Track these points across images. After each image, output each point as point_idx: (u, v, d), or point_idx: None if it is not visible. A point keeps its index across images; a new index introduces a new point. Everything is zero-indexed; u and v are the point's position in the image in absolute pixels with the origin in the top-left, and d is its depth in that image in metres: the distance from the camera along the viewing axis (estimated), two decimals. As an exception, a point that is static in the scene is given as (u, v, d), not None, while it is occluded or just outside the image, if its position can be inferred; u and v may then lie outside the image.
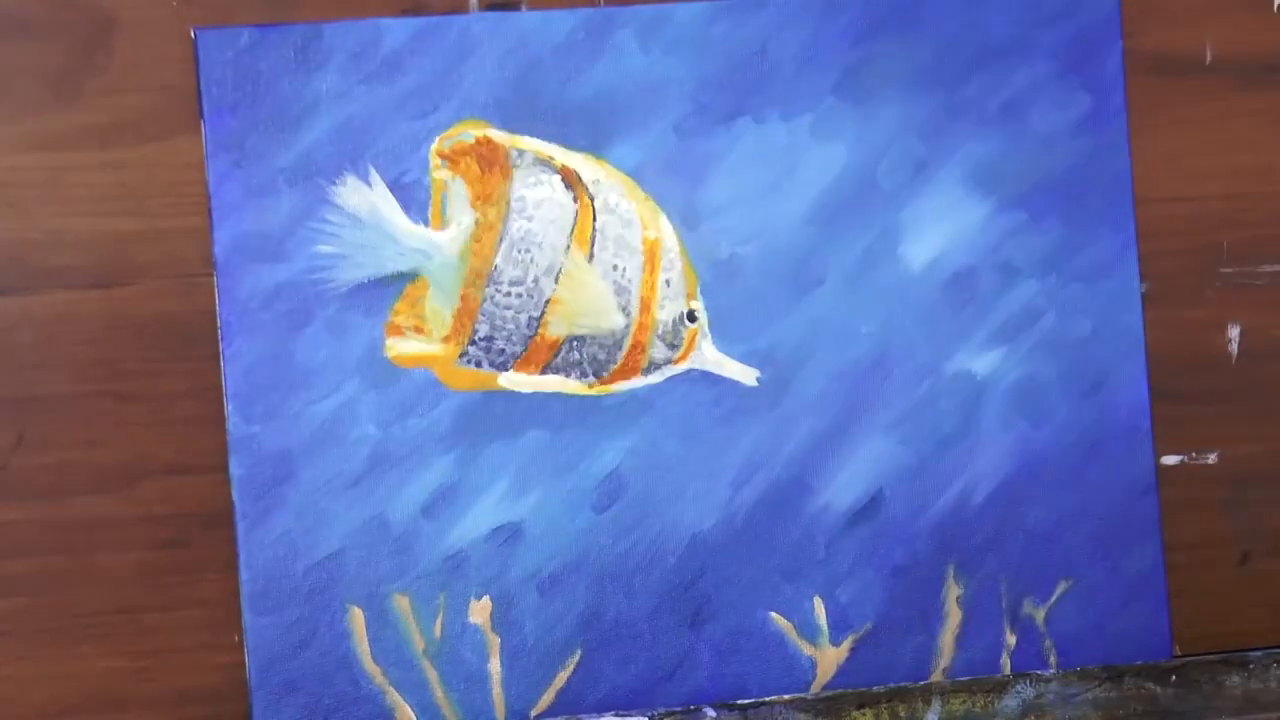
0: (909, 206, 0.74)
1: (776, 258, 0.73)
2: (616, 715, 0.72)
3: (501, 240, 0.72)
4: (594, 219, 0.72)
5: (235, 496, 0.70)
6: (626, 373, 0.73)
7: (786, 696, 0.73)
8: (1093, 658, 0.75)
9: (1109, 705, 0.74)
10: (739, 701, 0.73)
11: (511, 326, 0.72)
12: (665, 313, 0.73)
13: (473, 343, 0.72)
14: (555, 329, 0.72)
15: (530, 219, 0.72)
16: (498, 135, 0.72)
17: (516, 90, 0.72)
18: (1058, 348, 0.75)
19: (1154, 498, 0.76)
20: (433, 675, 0.72)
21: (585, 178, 0.72)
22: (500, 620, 0.72)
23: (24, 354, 0.70)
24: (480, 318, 0.72)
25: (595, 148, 0.72)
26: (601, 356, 0.72)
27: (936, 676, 0.74)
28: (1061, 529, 0.75)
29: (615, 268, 0.72)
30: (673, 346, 0.73)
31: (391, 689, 0.71)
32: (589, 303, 0.72)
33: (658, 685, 0.73)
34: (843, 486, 0.74)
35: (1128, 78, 0.75)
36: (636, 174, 0.72)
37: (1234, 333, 0.77)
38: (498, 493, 0.72)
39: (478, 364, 0.72)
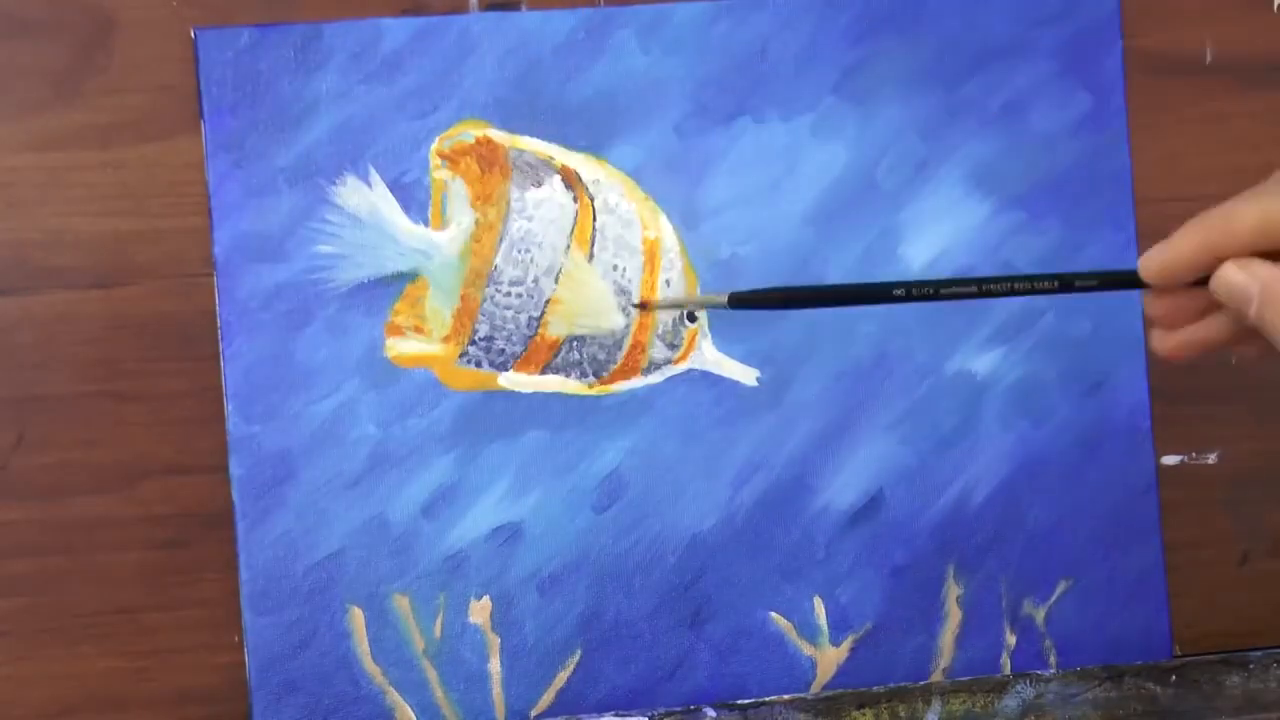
0: (909, 206, 0.74)
1: (776, 258, 0.73)
2: (616, 715, 0.72)
3: (501, 240, 0.72)
4: (594, 219, 0.72)
5: (235, 496, 0.70)
6: (626, 373, 0.73)
7: (786, 696, 0.73)
8: (1093, 658, 0.75)
9: (1109, 705, 0.74)
10: (739, 701, 0.73)
11: (511, 326, 0.72)
12: (665, 312, 0.73)
13: (473, 343, 0.72)
14: (555, 329, 0.72)
15: (530, 219, 0.72)
16: (498, 135, 0.72)
17: (516, 90, 0.72)
18: (1057, 348, 0.75)
19: (1154, 498, 0.76)
20: (433, 675, 0.72)
21: (585, 178, 0.72)
22: (500, 620, 0.72)
23: (24, 354, 0.70)
24: (480, 318, 0.72)
25: (595, 148, 0.72)
26: (601, 356, 0.72)
27: (936, 676, 0.74)
28: (1061, 529, 0.75)
29: (615, 268, 0.72)
30: (673, 346, 0.73)
31: (391, 689, 0.71)
32: (589, 303, 0.72)
33: (658, 685, 0.73)
34: (843, 486, 0.74)
35: (1128, 78, 0.75)
36: (636, 174, 0.72)
37: (1234, 333, 0.77)
38: (498, 493, 0.72)
39: (478, 364, 0.72)
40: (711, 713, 0.73)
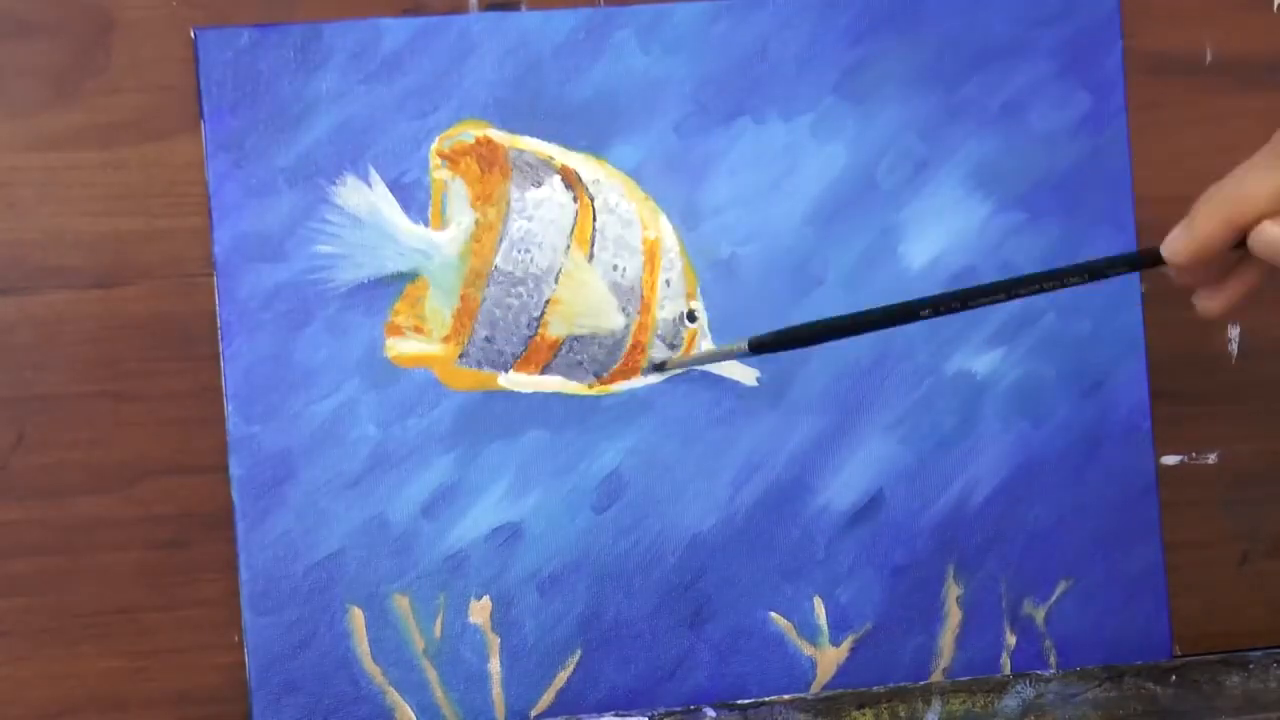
0: (909, 206, 0.74)
1: (776, 258, 0.73)
2: (616, 715, 0.72)
3: (501, 240, 0.72)
4: (594, 219, 0.72)
5: (235, 496, 0.70)
6: (626, 373, 0.73)
7: (786, 696, 0.73)
8: (1093, 658, 0.75)
9: (1109, 705, 0.74)
10: (739, 701, 0.73)
11: (511, 327, 0.72)
12: (665, 313, 0.73)
13: (473, 343, 0.72)
14: (555, 329, 0.72)
15: (530, 219, 0.72)
16: (498, 135, 0.72)
17: (516, 90, 0.72)
18: (1057, 348, 0.75)
19: (1154, 498, 0.76)
20: (433, 675, 0.72)
21: (585, 178, 0.72)
22: (500, 620, 0.72)
23: (24, 354, 0.70)
24: (480, 318, 0.72)
25: (595, 148, 0.72)
26: (601, 356, 0.72)
27: (936, 676, 0.74)
28: (1061, 529, 0.75)
29: (615, 268, 0.72)
30: (673, 346, 0.73)
31: (391, 689, 0.71)
32: (589, 303, 0.72)
33: (658, 685, 0.73)
34: (843, 486, 0.74)
35: (1128, 78, 0.75)
36: (636, 174, 0.72)
37: (1234, 333, 0.77)
38: (498, 493, 0.72)
39: (478, 364, 0.72)
40: (711, 713, 0.73)
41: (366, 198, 0.71)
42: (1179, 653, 0.76)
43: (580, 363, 0.72)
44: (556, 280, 0.72)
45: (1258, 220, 0.59)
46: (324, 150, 0.71)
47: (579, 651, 0.72)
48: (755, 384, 0.73)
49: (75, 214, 0.70)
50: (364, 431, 0.71)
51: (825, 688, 0.74)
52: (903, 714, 0.74)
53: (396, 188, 0.71)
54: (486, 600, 0.72)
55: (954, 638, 0.75)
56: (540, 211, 0.72)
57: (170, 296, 0.71)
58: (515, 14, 0.72)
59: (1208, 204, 0.60)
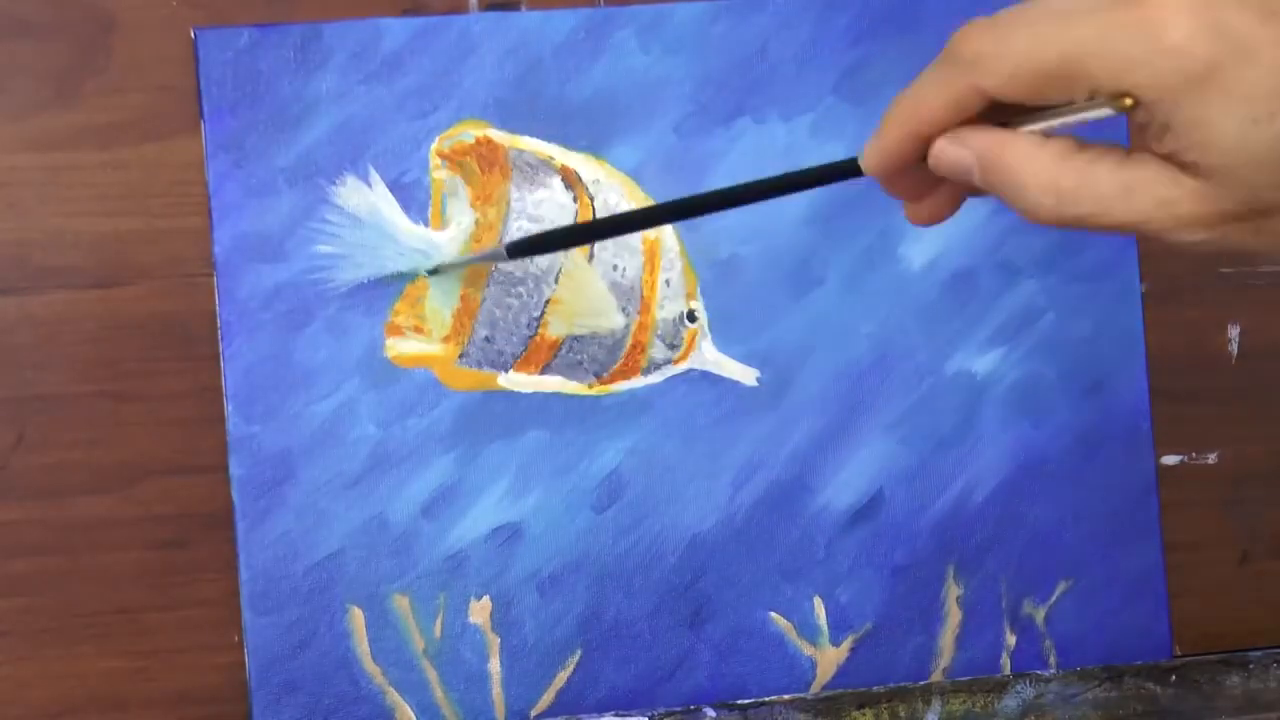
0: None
1: (776, 258, 0.73)
2: (616, 715, 0.72)
3: (501, 240, 0.72)
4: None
5: (235, 496, 0.70)
6: (626, 373, 0.73)
7: (786, 696, 0.73)
8: (1093, 658, 0.75)
9: (1109, 705, 0.74)
10: (739, 701, 0.73)
11: (511, 327, 0.72)
12: (665, 313, 0.73)
13: (472, 343, 0.72)
14: (555, 329, 0.72)
15: (530, 219, 0.72)
16: (498, 135, 0.72)
17: (516, 90, 0.72)
18: (1057, 348, 0.75)
19: (1154, 498, 0.76)
20: (433, 675, 0.72)
21: (585, 178, 0.72)
22: (500, 620, 0.72)
23: (24, 354, 0.70)
24: (480, 318, 0.72)
25: (595, 148, 0.72)
26: (601, 356, 0.72)
27: (936, 676, 0.74)
28: (1061, 529, 0.75)
29: (615, 268, 0.72)
30: (673, 346, 0.73)
31: (391, 689, 0.71)
32: (589, 303, 0.72)
33: (658, 685, 0.73)
34: (843, 486, 0.74)
35: (1128, 78, 0.75)
36: (636, 174, 0.72)
37: (1234, 333, 0.77)
38: (498, 493, 0.72)
39: (478, 364, 0.72)
40: (711, 713, 0.73)
41: (366, 198, 0.71)
42: (1179, 653, 0.76)
43: (580, 363, 0.72)
44: (556, 280, 0.72)
45: (939, 131, 0.55)
46: (324, 150, 0.71)
47: (579, 651, 0.72)
48: (755, 384, 0.73)
49: (75, 214, 0.70)
50: (364, 431, 0.71)
51: (825, 688, 0.74)
52: (903, 714, 0.74)
53: (396, 188, 0.71)
54: (486, 600, 0.72)
55: (954, 638, 0.75)
56: (540, 211, 0.72)
57: (170, 296, 0.71)
58: (515, 14, 0.72)
59: (890, 114, 0.56)
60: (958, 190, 0.59)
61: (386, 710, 0.71)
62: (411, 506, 0.71)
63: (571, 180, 0.72)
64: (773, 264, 0.73)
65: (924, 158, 0.56)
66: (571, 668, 0.72)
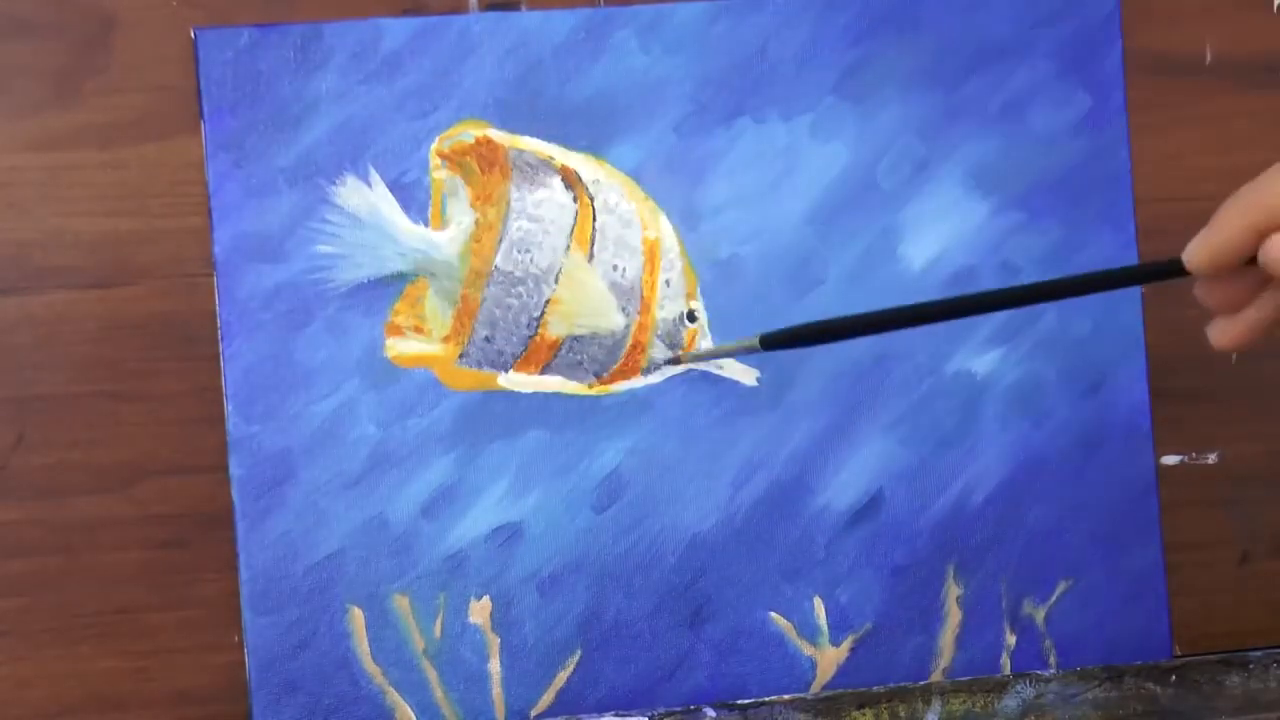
0: (909, 206, 0.74)
1: (776, 258, 0.73)
2: (616, 715, 0.72)
3: (501, 240, 0.72)
4: (594, 219, 0.72)
5: (235, 496, 0.70)
6: (626, 373, 0.73)
7: (786, 696, 0.73)
8: (1093, 658, 0.75)
9: (1109, 705, 0.74)
10: (739, 701, 0.73)
11: (511, 327, 0.72)
12: (665, 313, 0.73)
13: (473, 343, 0.72)
14: (555, 329, 0.72)
15: (530, 219, 0.72)
16: (498, 135, 0.72)
17: (516, 90, 0.72)
18: (1057, 348, 0.75)
19: (1154, 498, 0.76)
20: (433, 675, 0.72)
21: (585, 178, 0.72)
22: (500, 620, 0.72)
23: (24, 354, 0.70)
24: (480, 318, 0.72)
25: (595, 148, 0.72)
26: (601, 356, 0.72)
27: (936, 676, 0.74)
28: (1061, 529, 0.75)
29: (615, 268, 0.72)
30: (673, 346, 0.73)
31: (391, 689, 0.71)
32: (589, 303, 0.72)
33: (658, 685, 0.73)
34: (843, 486, 0.74)
35: (1128, 78, 0.75)
36: (636, 174, 0.72)
37: (1234, 333, 0.77)
38: (498, 493, 0.72)
39: (478, 364, 0.72)
40: (711, 713, 0.73)
41: (366, 198, 0.71)
42: (1179, 653, 0.76)
43: (580, 363, 0.72)
44: (556, 280, 0.72)
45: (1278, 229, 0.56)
46: (324, 150, 0.71)
47: (579, 651, 0.72)
48: (755, 384, 0.73)
49: (75, 214, 0.70)
50: (364, 431, 0.71)
51: (825, 688, 0.74)
52: (903, 714, 0.74)
53: (396, 188, 0.71)
54: (486, 600, 0.72)
55: (954, 638, 0.75)
56: (540, 211, 0.72)
57: (170, 296, 0.71)
58: (515, 14, 0.72)
59: (1231, 206, 0.58)
60: (1271, 313, 0.59)
61: (386, 710, 0.71)
62: (411, 506, 0.71)
63: (571, 180, 0.72)
64: (773, 264, 0.73)
65: (1253, 259, 0.56)
66: (571, 668, 0.72)
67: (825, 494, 0.74)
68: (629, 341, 0.72)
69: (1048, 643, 0.75)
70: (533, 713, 0.72)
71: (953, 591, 0.75)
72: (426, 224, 0.71)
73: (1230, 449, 0.77)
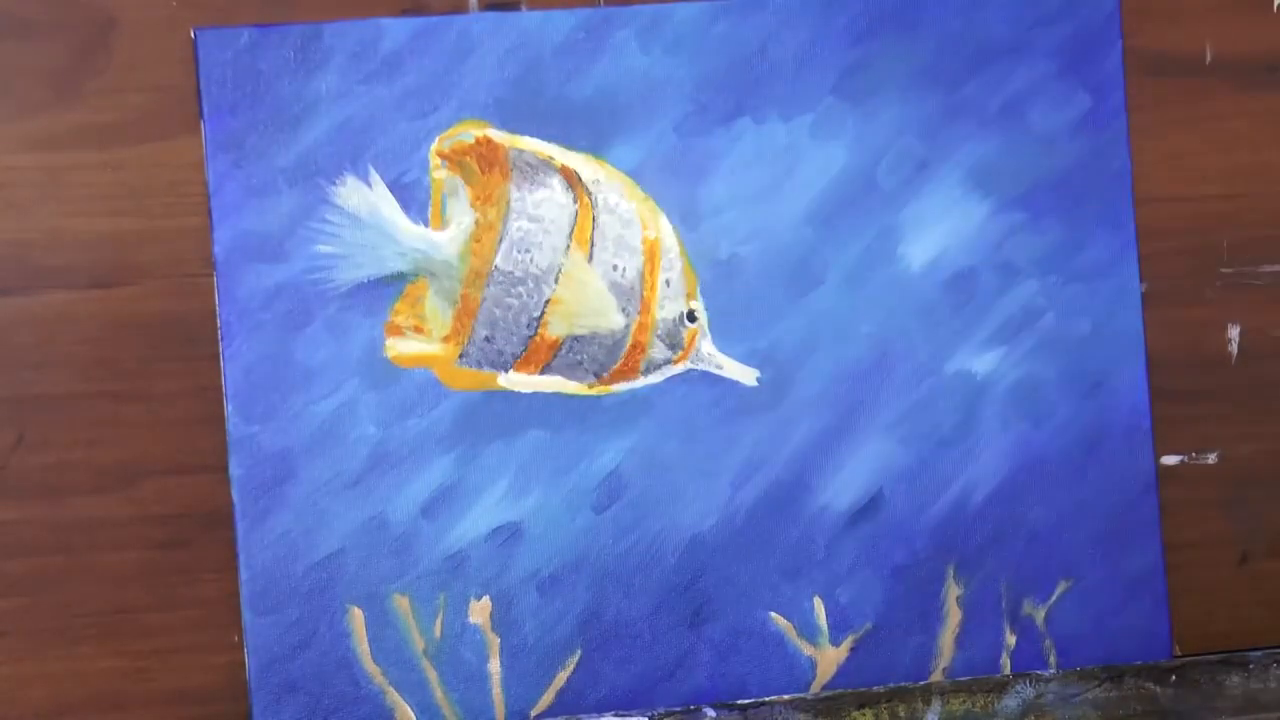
0: (909, 206, 0.74)
1: (776, 258, 0.73)
2: (616, 715, 0.72)
3: (501, 240, 0.72)
4: (594, 219, 0.72)
5: (235, 496, 0.70)
6: (626, 373, 0.73)
7: (786, 696, 0.73)
8: (1093, 658, 0.75)
9: (1109, 705, 0.74)
10: (739, 701, 0.73)
11: (511, 327, 0.72)
12: (665, 313, 0.73)
13: (472, 343, 0.72)
14: (555, 329, 0.72)
15: (530, 219, 0.72)
16: (498, 135, 0.72)
17: (516, 90, 0.72)
18: (1057, 348, 0.75)
19: (1154, 498, 0.76)
20: (433, 675, 0.72)
21: (585, 178, 0.72)
22: (500, 620, 0.72)
23: (24, 354, 0.70)
24: (480, 318, 0.72)
25: (595, 148, 0.72)
26: (601, 356, 0.72)
27: (936, 676, 0.74)
28: (1061, 529, 0.75)
29: (615, 268, 0.72)
30: (673, 346, 0.73)
31: (391, 689, 0.71)
32: (589, 303, 0.72)
33: (658, 685, 0.73)
34: (843, 486, 0.74)
35: (1128, 78, 0.75)
36: (636, 174, 0.72)
37: (1234, 333, 0.77)
38: (498, 493, 0.72)
39: (478, 364, 0.72)
40: (711, 713, 0.73)
41: (366, 198, 0.71)
42: (1179, 653, 0.76)
43: (580, 363, 0.72)
44: (556, 280, 0.72)
45: None
46: (324, 150, 0.71)
47: (579, 651, 0.72)
48: (755, 384, 0.73)
49: (75, 214, 0.70)
50: (364, 431, 0.71)
51: (825, 688, 0.74)
52: (903, 714, 0.74)
53: (396, 188, 0.71)
54: (486, 600, 0.72)
55: (954, 638, 0.75)
56: (540, 211, 0.72)
57: (170, 296, 0.71)
58: (515, 14, 0.72)
59: None
60: None
61: (386, 710, 0.71)
62: (411, 506, 0.71)
63: (571, 180, 0.72)
64: (773, 264, 0.73)
65: None
66: (571, 668, 0.72)
67: (825, 494, 0.74)
68: (629, 341, 0.72)
69: (1048, 643, 0.75)
70: (533, 713, 0.72)
71: (953, 591, 0.75)
72: (426, 224, 0.71)
73: (1230, 449, 0.77)
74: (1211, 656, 0.75)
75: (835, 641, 0.74)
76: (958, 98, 0.74)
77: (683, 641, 0.73)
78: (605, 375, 0.72)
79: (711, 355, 0.73)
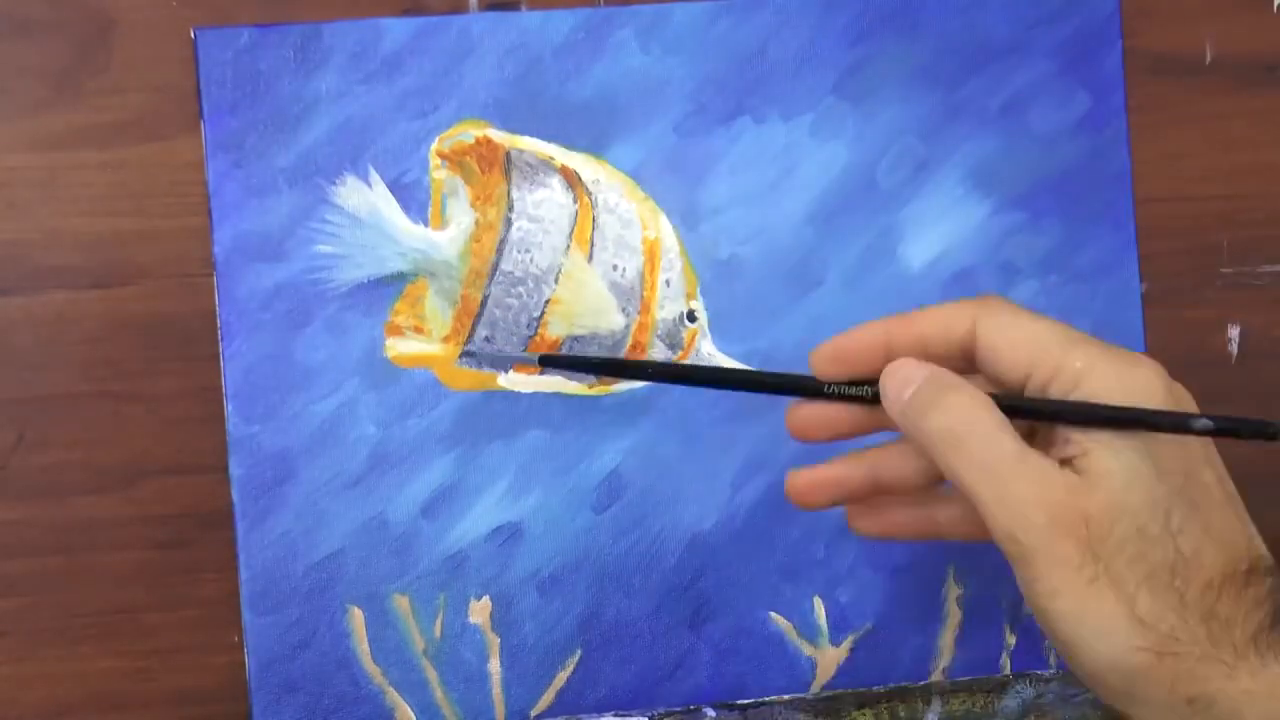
0: (909, 206, 0.74)
1: (776, 258, 0.73)
2: (616, 715, 0.72)
3: (501, 240, 0.72)
4: (594, 219, 0.72)
5: (235, 496, 0.70)
6: (626, 373, 0.73)
7: (786, 696, 0.73)
8: (1093, 658, 0.75)
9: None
10: (739, 701, 0.73)
11: (511, 327, 0.72)
12: (665, 313, 0.73)
13: (473, 342, 0.72)
14: (555, 329, 0.72)
15: (530, 219, 0.72)
16: (498, 135, 0.72)
17: (516, 90, 0.72)
18: (1058, 348, 0.75)
19: (1154, 498, 0.76)
20: (433, 675, 0.72)
21: (585, 178, 0.72)
22: (500, 620, 0.72)
23: (24, 354, 0.70)
24: (480, 318, 0.72)
25: (595, 148, 0.72)
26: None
27: (936, 676, 0.74)
28: (1061, 529, 0.75)
29: (615, 268, 0.72)
30: (673, 347, 0.73)
31: (391, 689, 0.71)
32: (589, 303, 0.72)
33: (658, 685, 0.73)
34: (843, 486, 0.74)
35: (1128, 78, 0.75)
36: (636, 174, 0.72)
37: (1234, 333, 0.77)
38: (498, 493, 0.72)
39: (478, 364, 0.72)
40: (711, 713, 0.73)
41: (366, 198, 0.71)
42: (1179, 653, 0.76)
43: (580, 363, 0.72)
44: (556, 280, 0.72)
45: (911, 351, 0.58)
46: (324, 150, 0.71)
47: (579, 651, 0.72)
48: (755, 384, 0.73)
49: (75, 214, 0.70)
50: (364, 431, 0.71)
51: (825, 688, 0.74)
52: (903, 714, 0.74)
53: (396, 188, 0.71)
54: (486, 600, 0.72)
55: (954, 638, 0.75)
56: (540, 211, 0.72)
57: (170, 296, 0.71)
58: (515, 14, 0.72)
59: (878, 319, 0.59)
60: (863, 478, 0.61)
61: (386, 710, 0.71)
62: (411, 506, 0.71)
63: (571, 180, 0.72)
64: (773, 264, 0.73)
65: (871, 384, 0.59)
66: (571, 668, 0.72)
67: (825, 494, 0.74)
68: (629, 342, 0.72)
69: (1048, 643, 0.75)
70: (533, 713, 0.72)
71: (953, 591, 0.75)
72: (426, 224, 0.71)
73: (1230, 449, 0.77)
74: (1211, 656, 0.75)
75: (835, 641, 0.74)
76: (958, 98, 0.74)
77: (683, 641, 0.73)
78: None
79: (711, 355, 0.73)
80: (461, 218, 0.72)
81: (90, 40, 0.70)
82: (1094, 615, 0.53)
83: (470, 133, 0.72)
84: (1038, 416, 0.57)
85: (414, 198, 0.71)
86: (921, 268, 0.74)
